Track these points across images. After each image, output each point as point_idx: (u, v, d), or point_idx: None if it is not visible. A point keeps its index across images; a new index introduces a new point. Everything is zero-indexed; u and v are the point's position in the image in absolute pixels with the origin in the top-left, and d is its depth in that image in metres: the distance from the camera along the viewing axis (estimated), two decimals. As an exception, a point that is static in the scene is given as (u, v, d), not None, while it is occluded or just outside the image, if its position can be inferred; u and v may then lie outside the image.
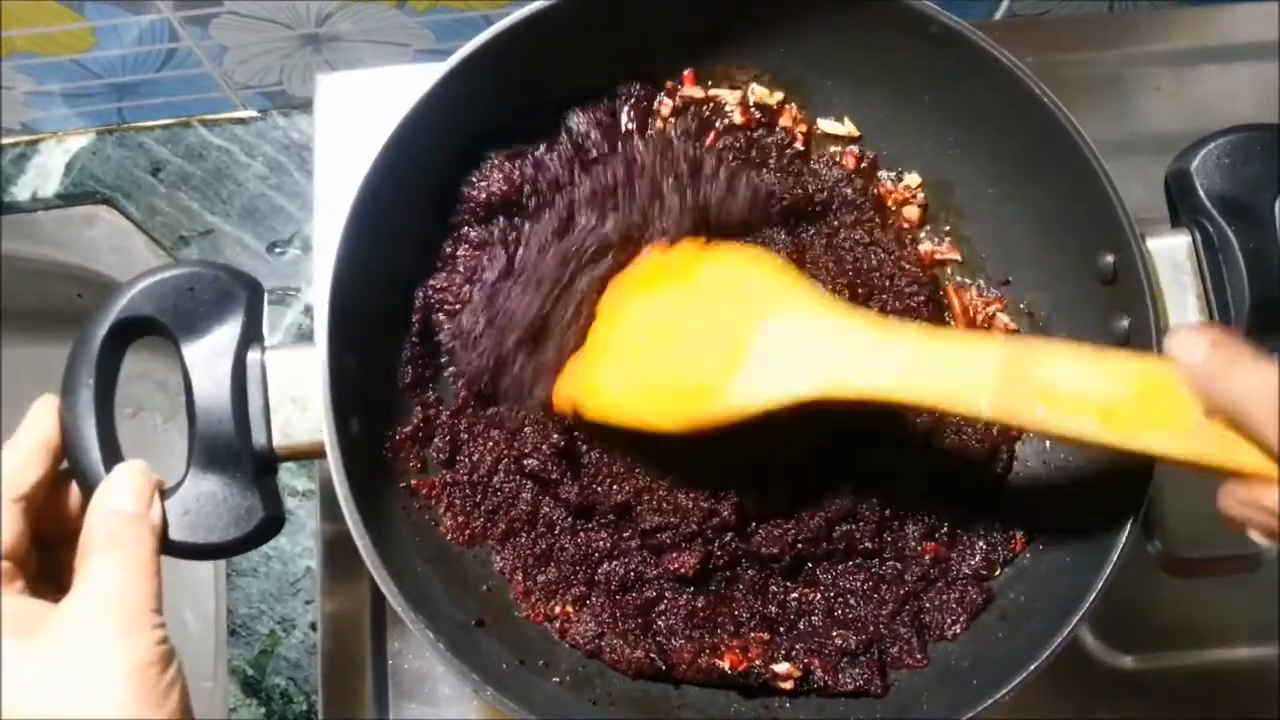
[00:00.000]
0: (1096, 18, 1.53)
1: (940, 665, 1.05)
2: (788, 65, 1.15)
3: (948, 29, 1.02)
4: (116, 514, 0.85)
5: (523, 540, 1.09)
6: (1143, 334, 0.97)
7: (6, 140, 1.53)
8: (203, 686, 1.41)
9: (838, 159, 1.17)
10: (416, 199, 1.05)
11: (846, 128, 1.17)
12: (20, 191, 1.52)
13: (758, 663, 1.04)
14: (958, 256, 1.17)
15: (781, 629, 1.08)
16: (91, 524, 0.85)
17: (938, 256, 1.17)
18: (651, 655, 1.04)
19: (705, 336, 0.96)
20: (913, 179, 1.17)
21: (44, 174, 1.52)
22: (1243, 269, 0.98)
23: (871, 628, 1.07)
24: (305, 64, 1.46)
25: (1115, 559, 0.93)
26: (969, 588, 1.08)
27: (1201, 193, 1.00)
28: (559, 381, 1.04)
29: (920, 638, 1.07)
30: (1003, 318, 1.14)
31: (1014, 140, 1.06)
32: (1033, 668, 0.92)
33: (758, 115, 1.16)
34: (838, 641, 1.06)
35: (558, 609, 1.07)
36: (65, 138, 1.53)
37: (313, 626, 1.38)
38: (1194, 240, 1.00)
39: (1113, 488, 0.97)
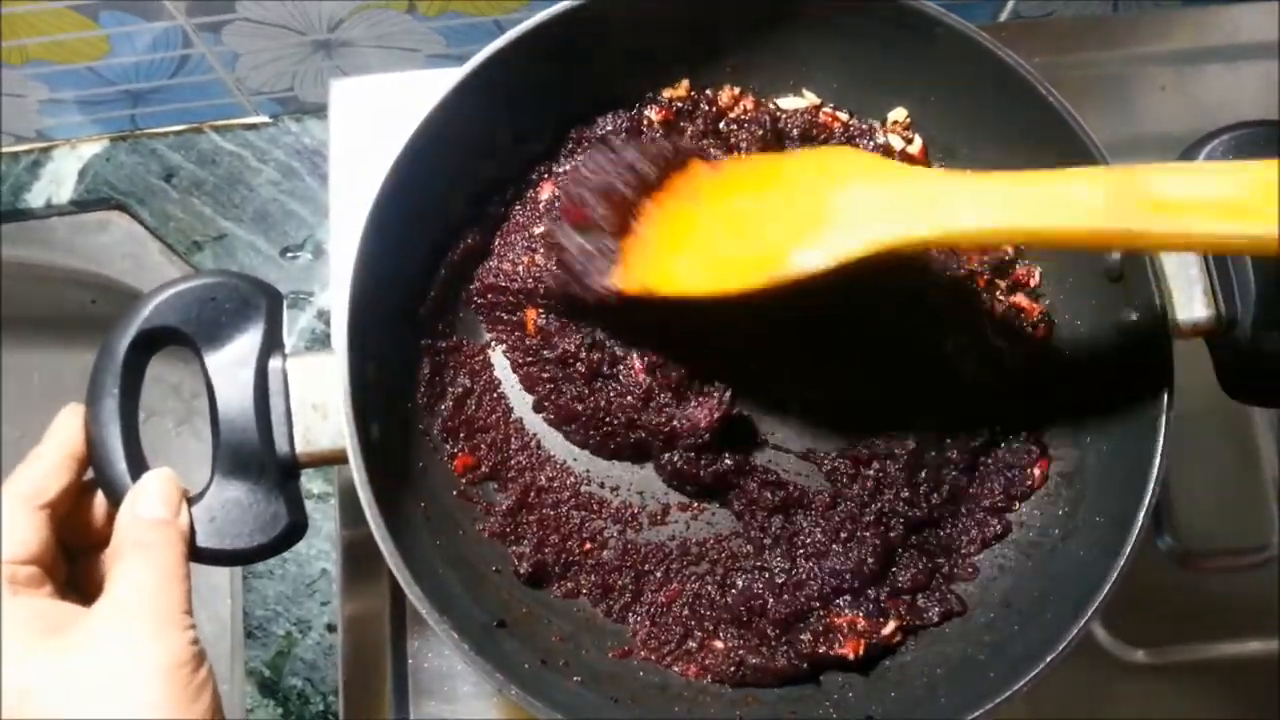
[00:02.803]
0: (1101, 19, 1.54)
1: (958, 658, 1.06)
2: (791, 68, 1.16)
3: (953, 31, 1.03)
4: (146, 520, 0.86)
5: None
6: (1151, 328, 0.99)
7: (21, 147, 1.54)
8: (220, 688, 1.42)
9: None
10: (432, 203, 1.05)
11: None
12: (34, 198, 1.53)
13: (873, 638, 1.07)
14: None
15: (856, 587, 1.10)
16: (121, 530, 0.86)
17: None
18: (793, 661, 1.07)
19: (782, 209, 0.95)
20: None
21: (58, 181, 1.53)
22: (1249, 263, 0.99)
23: (924, 558, 1.10)
24: (316, 70, 1.47)
25: (1127, 554, 0.94)
26: (989, 518, 1.11)
27: (1205, 190, 1.00)
28: (627, 267, 1.04)
29: (959, 552, 1.11)
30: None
31: (1021, 141, 1.06)
32: (1048, 660, 0.93)
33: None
34: (902, 581, 1.10)
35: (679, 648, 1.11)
36: (79, 144, 1.54)
37: (329, 628, 1.39)
38: (1197, 238, 1.01)
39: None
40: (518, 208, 1.14)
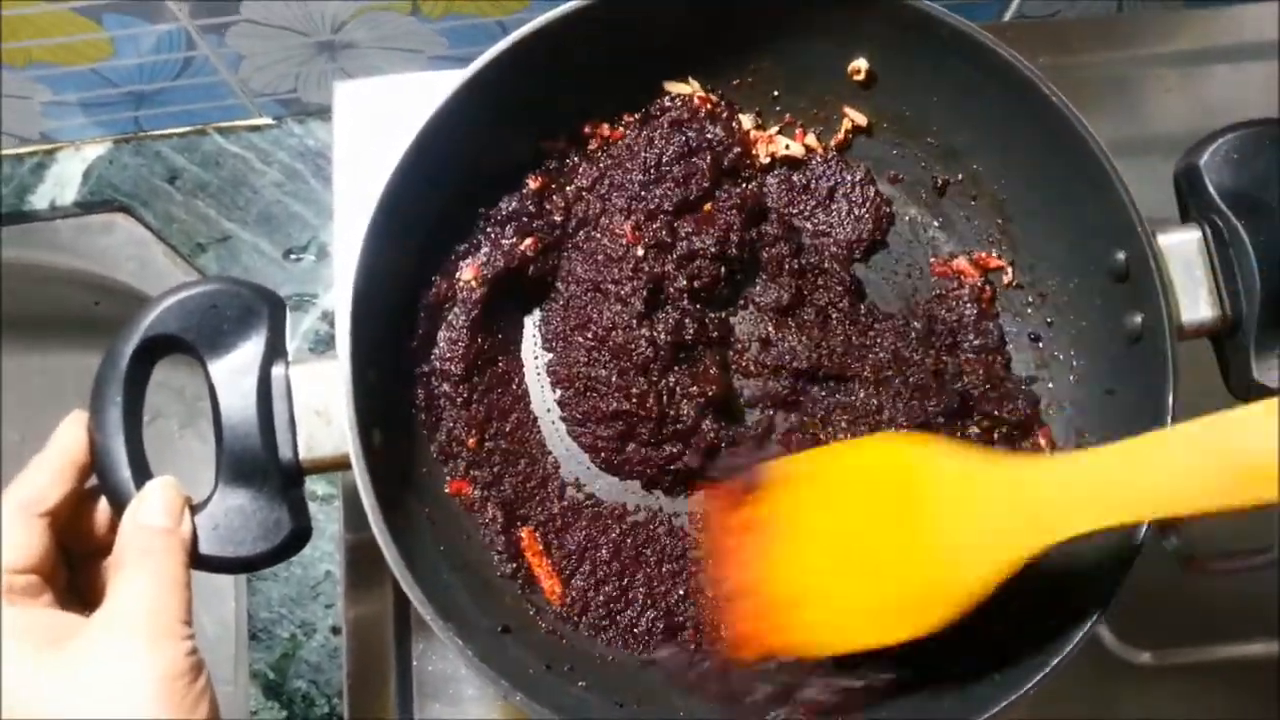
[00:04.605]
0: (1106, 19, 1.53)
1: (963, 661, 1.05)
2: (792, 70, 1.17)
3: (957, 32, 1.03)
4: (148, 528, 0.86)
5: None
6: (1155, 329, 0.98)
7: (25, 150, 1.54)
8: (223, 690, 1.42)
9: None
10: (435, 208, 1.06)
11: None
12: (38, 200, 1.53)
13: None
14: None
15: None
16: (123, 538, 0.86)
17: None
18: None
19: (890, 540, 0.94)
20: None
21: (62, 183, 1.53)
22: (1254, 263, 0.98)
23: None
24: (320, 71, 1.47)
25: (1133, 556, 0.94)
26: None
27: (1211, 188, 1.00)
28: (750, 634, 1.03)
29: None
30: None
31: (1025, 141, 1.07)
32: (1054, 664, 0.93)
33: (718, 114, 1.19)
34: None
35: None
36: (83, 146, 1.54)
37: (333, 630, 1.39)
38: (1204, 235, 1.01)
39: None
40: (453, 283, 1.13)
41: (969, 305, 1.17)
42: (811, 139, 1.20)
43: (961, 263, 1.18)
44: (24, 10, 1.27)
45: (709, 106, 1.16)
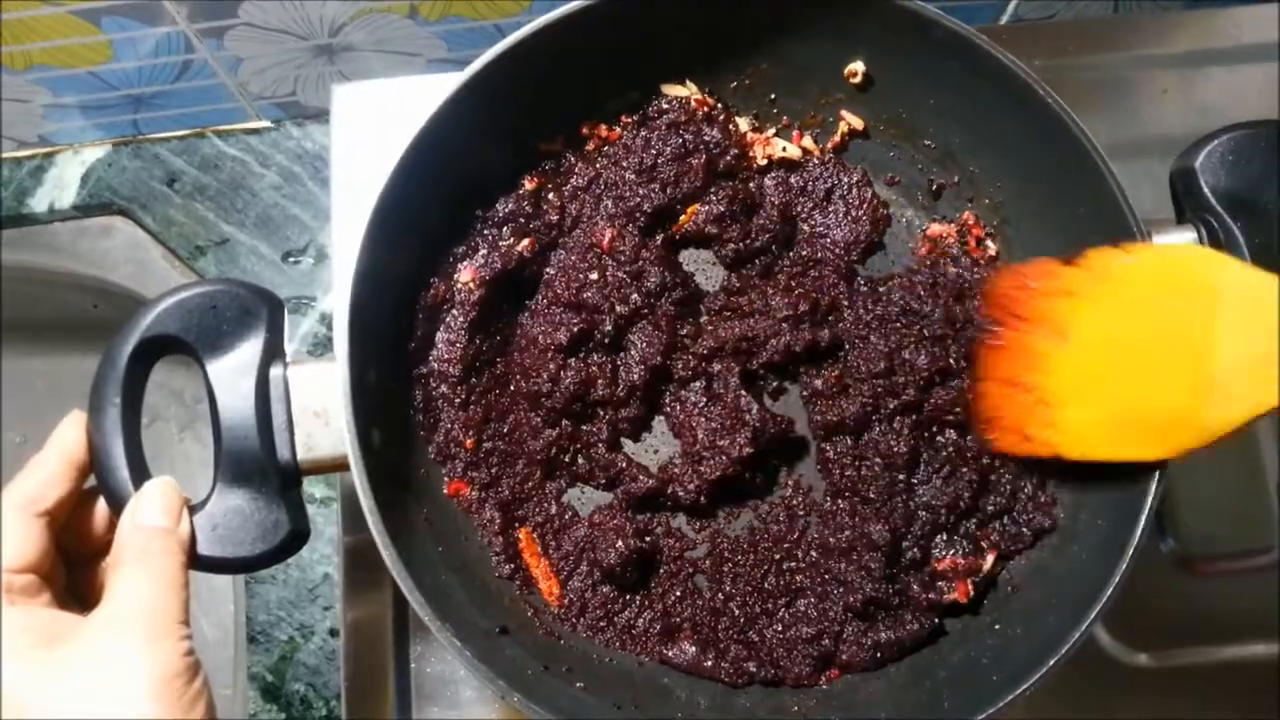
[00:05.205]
0: (1102, 21, 1.54)
1: (962, 661, 1.06)
2: (789, 72, 1.17)
3: (953, 34, 1.03)
4: (147, 528, 0.86)
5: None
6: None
7: (24, 153, 1.54)
8: (222, 694, 1.42)
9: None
10: (432, 210, 1.06)
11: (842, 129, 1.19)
12: (37, 203, 1.53)
13: (978, 575, 1.10)
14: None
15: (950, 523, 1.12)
16: (122, 538, 0.86)
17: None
18: (920, 619, 1.09)
19: (1165, 355, 0.94)
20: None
21: (60, 186, 1.53)
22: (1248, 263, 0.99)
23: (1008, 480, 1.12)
24: (318, 75, 1.47)
25: (1130, 557, 0.94)
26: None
27: (1206, 190, 1.00)
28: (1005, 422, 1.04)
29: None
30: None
31: (1021, 144, 1.07)
32: (1051, 663, 0.93)
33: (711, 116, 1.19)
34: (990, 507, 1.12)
35: None
36: (81, 149, 1.54)
37: (331, 632, 1.39)
38: (1200, 236, 1.01)
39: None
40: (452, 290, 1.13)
41: (964, 257, 1.17)
42: (808, 141, 1.20)
43: (936, 228, 1.19)
44: (23, 13, 1.27)
45: (706, 109, 1.17)
